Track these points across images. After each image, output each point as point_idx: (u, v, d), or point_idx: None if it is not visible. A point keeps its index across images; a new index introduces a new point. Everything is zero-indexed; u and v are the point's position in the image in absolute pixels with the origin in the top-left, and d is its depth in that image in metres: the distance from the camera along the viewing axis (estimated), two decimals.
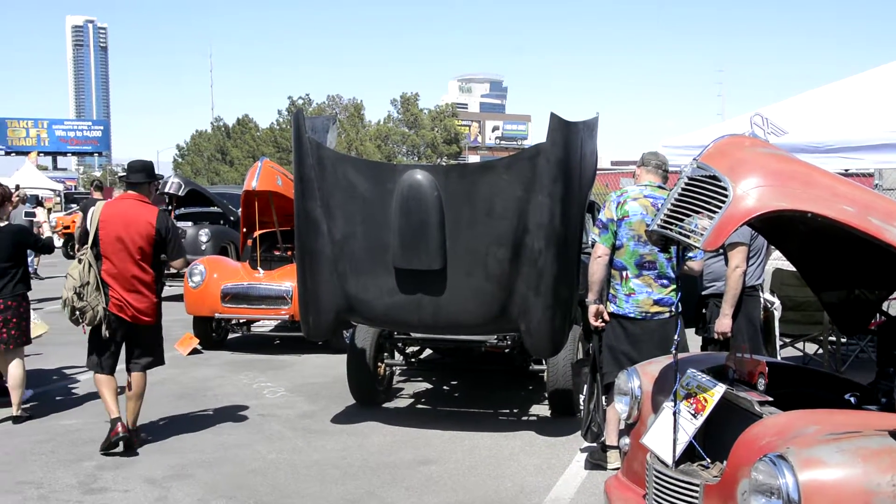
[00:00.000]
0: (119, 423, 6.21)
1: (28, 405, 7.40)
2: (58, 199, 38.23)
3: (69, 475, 5.77)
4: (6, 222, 7.14)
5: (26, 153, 55.86)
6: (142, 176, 6.40)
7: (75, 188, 39.43)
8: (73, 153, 67.72)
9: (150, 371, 6.45)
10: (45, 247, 7.73)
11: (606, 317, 5.65)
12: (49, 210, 22.18)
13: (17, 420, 7.01)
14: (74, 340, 9.30)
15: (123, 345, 6.38)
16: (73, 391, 8.16)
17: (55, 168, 66.15)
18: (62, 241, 21.85)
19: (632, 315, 5.54)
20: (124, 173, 6.84)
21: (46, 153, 65.40)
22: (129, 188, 6.47)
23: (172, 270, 15.60)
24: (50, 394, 8.10)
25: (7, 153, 63.05)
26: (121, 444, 6.19)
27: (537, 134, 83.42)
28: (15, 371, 7.07)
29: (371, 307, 6.35)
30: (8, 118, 65.22)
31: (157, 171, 6.72)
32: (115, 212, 6.28)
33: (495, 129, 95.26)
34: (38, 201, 19.21)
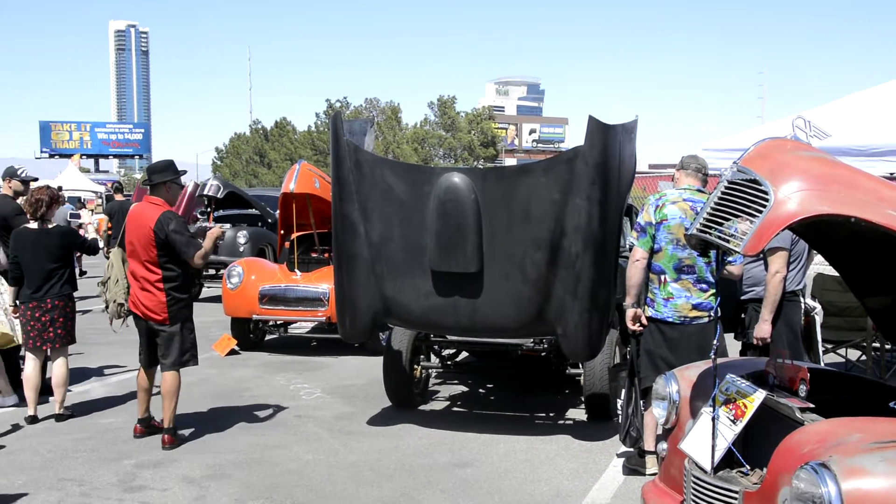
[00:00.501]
0: (136, 425, 6.66)
1: (69, 403, 7.51)
2: (99, 200, 38.81)
3: (109, 473, 5.85)
4: (53, 224, 7.26)
5: (69, 156, 56.85)
6: (154, 178, 6.53)
7: (113, 190, 40.01)
8: (115, 156, 68.79)
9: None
10: (91, 248, 7.87)
11: (644, 321, 5.60)
12: (91, 212, 22.54)
13: (59, 418, 7.12)
14: (116, 340, 9.45)
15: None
16: (114, 390, 8.27)
17: (97, 170, 67.22)
18: (104, 241, 22.16)
19: (670, 319, 5.49)
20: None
21: (89, 156, 66.46)
22: (150, 191, 6.62)
23: (211, 272, 15.96)
24: (91, 392, 8.21)
25: (51, 156, 64.19)
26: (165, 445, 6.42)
27: (575, 137, 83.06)
28: (59, 370, 7.19)
29: (407, 310, 6.36)
30: (52, 121, 66.40)
31: (179, 169, 6.78)
32: (133, 215, 6.51)
33: (532, 131, 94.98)
34: (80, 203, 19.50)
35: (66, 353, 7.29)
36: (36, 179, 8.57)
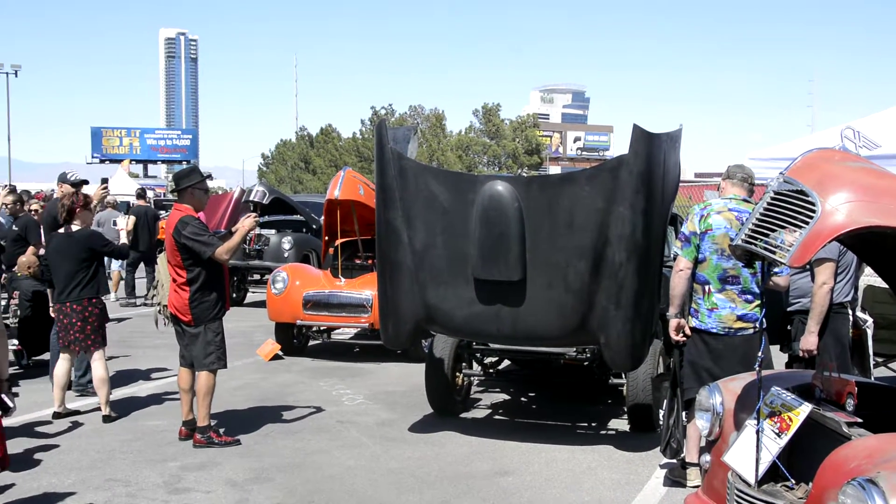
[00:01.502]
0: (181, 427, 6.77)
1: (115, 403, 7.63)
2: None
3: (155, 474, 5.94)
4: (78, 227, 7.37)
5: (119, 161, 57.78)
6: (179, 184, 6.67)
7: (164, 195, 40.57)
8: (163, 161, 69.76)
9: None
10: (118, 252, 7.90)
11: (688, 331, 5.56)
12: (161, 217, 22.84)
13: (106, 419, 7.24)
14: (163, 343, 9.60)
15: None
16: (160, 393, 8.39)
17: (146, 175, 68.17)
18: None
19: (714, 330, 5.44)
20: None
21: (138, 161, 67.50)
22: (178, 198, 6.81)
23: (256, 277, 16.10)
24: (138, 395, 8.34)
25: (102, 161, 65.31)
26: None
27: (619, 145, 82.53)
28: (96, 372, 7.29)
29: (450, 317, 6.37)
30: (103, 127, 67.60)
31: (204, 172, 6.92)
32: (167, 222, 6.74)
33: (577, 139, 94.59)
34: (129, 208, 19.84)
35: (101, 356, 7.35)
36: (86, 182, 8.75)
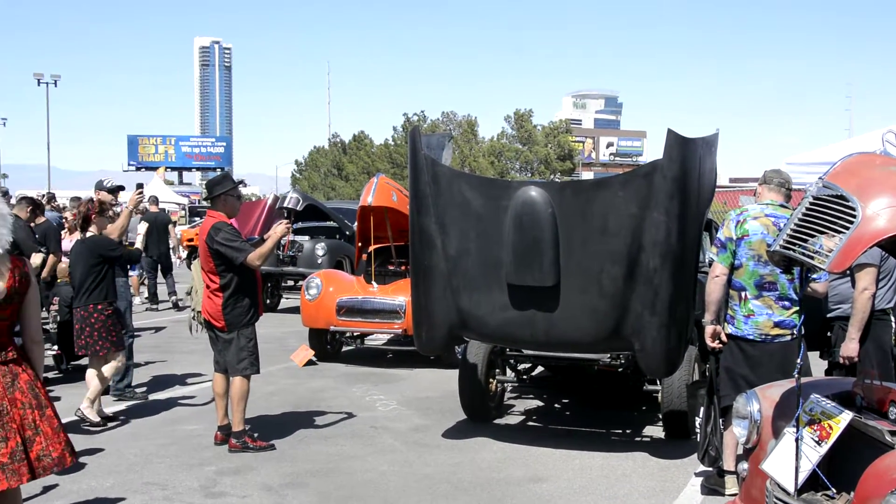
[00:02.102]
0: (217, 432, 6.81)
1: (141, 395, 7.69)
2: (182, 212, 39.86)
3: (191, 478, 5.98)
4: (93, 233, 7.45)
5: (155, 169, 58.43)
6: (212, 192, 6.73)
7: (199, 202, 41.01)
8: (198, 168, 70.51)
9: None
10: (127, 257, 7.87)
11: (724, 338, 5.51)
12: (174, 224, 23.14)
13: (78, 415, 7.14)
14: (199, 349, 9.68)
15: None
16: (197, 398, 8.46)
17: (181, 183, 68.94)
18: (186, 252, 22.68)
19: (751, 337, 5.38)
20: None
21: (173, 168, 68.27)
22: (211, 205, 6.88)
23: (289, 283, 16.20)
24: (174, 400, 8.42)
25: (137, 168, 66.15)
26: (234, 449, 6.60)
27: (653, 150, 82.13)
28: (95, 369, 7.29)
29: (484, 323, 6.37)
30: (139, 135, 68.48)
31: (236, 179, 6.99)
32: (200, 229, 6.81)
33: (610, 145, 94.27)
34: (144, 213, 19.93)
35: (110, 360, 7.33)
36: (122, 188, 8.86)
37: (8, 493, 3.87)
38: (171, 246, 16.04)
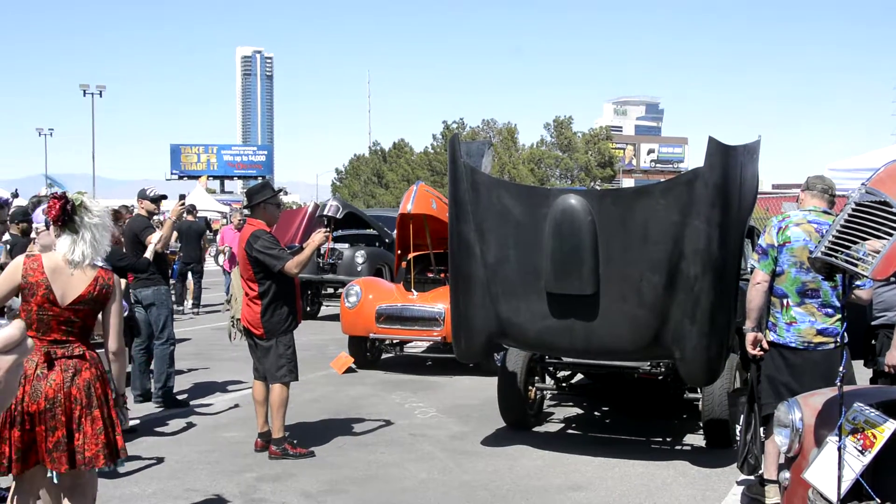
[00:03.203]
0: (257, 439, 6.87)
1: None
2: (224, 221, 40.29)
3: (232, 485, 6.06)
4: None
5: (197, 177, 59.17)
6: (252, 200, 6.83)
7: (240, 210, 41.49)
8: (239, 177, 71.17)
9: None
10: (132, 267, 7.71)
11: (765, 345, 5.46)
12: (216, 232, 23.44)
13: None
14: (240, 356, 9.78)
15: None
16: (236, 405, 8.56)
17: (222, 191, 69.65)
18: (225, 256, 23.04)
19: (793, 345, 5.33)
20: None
21: (215, 177, 69.02)
22: (251, 213, 6.95)
23: (329, 290, 16.33)
24: (215, 407, 8.52)
25: (180, 177, 66.98)
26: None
27: (694, 157, 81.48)
28: None
29: (523, 331, 6.37)
30: (182, 144, 69.35)
31: (275, 187, 7.03)
32: (239, 237, 6.92)
33: (651, 152, 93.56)
34: (206, 223, 20.27)
35: None
36: (165, 197, 8.97)
37: (78, 476, 4.19)
38: (208, 253, 16.58)
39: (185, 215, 15.76)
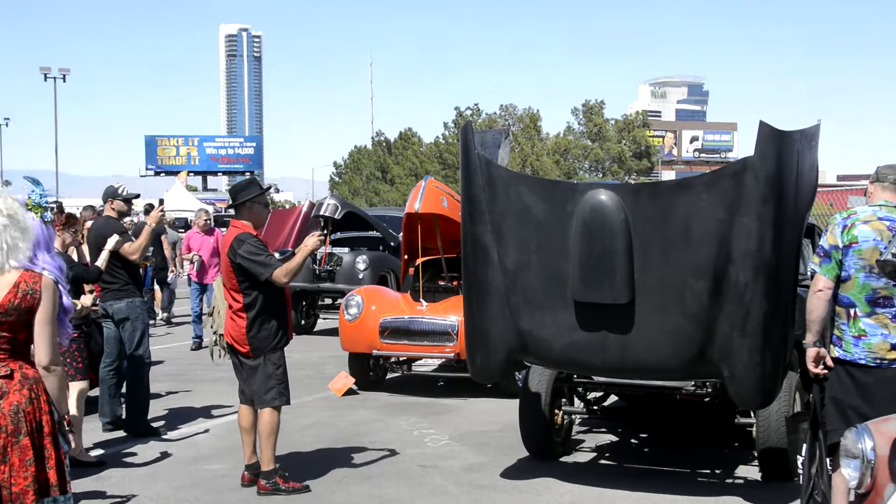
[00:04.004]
0: (244, 472, 6.82)
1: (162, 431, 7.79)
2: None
3: None
4: (57, 249, 7.52)
5: (176, 173, 59.48)
6: (236, 198, 6.79)
7: (225, 210, 41.59)
8: (224, 172, 71.57)
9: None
10: (82, 277, 7.65)
11: (830, 362, 5.40)
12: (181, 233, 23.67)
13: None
14: (223, 377, 9.78)
15: None
16: (221, 433, 8.54)
17: (205, 189, 70.01)
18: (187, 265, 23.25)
19: (862, 361, 5.27)
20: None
21: (196, 173, 69.46)
22: (235, 214, 6.94)
23: (327, 301, 16.35)
24: (196, 435, 8.51)
25: (157, 173, 67.37)
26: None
27: (745, 146, 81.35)
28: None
29: (547, 346, 6.35)
30: (158, 136, 69.72)
31: (263, 184, 7.04)
32: (222, 242, 6.92)
33: (694, 140, 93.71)
34: (186, 225, 20.33)
35: (75, 389, 7.31)
36: (138, 196, 8.95)
37: None
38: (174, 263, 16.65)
39: (143, 216, 15.87)
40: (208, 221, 15.07)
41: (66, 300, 4.34)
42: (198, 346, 13.71)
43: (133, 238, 8.24)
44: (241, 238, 6.54)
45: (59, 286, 4.24)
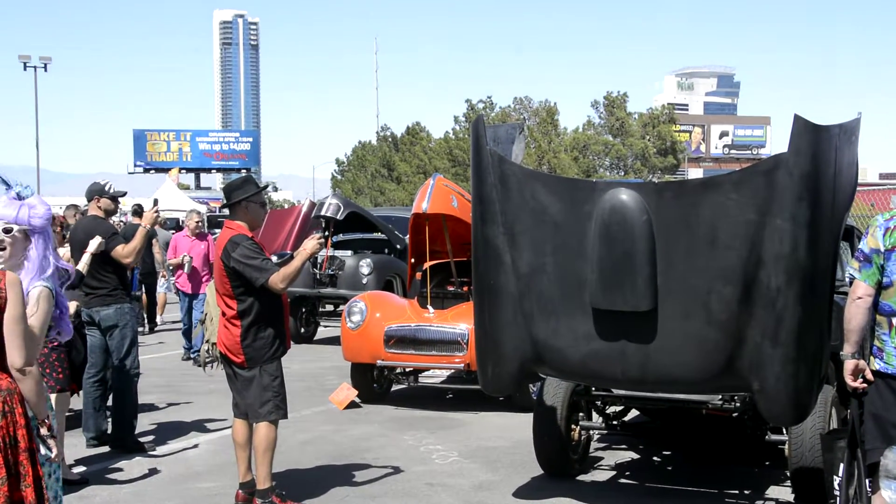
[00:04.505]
0: (238, 490, 6.77)
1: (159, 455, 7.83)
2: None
3: None
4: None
5: (167, 170, 59.55)
6: (230, 197, 6.80)
7: (220, 210, 41.60)
8: (219, 169, 71.71)
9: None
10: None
11: (869, 376, 5.39)
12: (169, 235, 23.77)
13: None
14: (216, 389, 9.80)
15: None
16: (214, 448, 8.57)
17: (198, 187, 70.16)
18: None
19: None
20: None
21: (189, 170, 69.53)
22: (229, 214, 6.97)
23: (328, 307, 16.37)
24: (187, 451, 8.53)
25: (146, 170, 67.49)
26: None
27: (778, 141, 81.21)
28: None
29: (563, 356, 6.35)
30: (148, 130, 69.82)
31: (260, 182, 7.06)
32: (216, 244, 6.87)
33: (724, 135, 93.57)
34: (177, 226, 20.37)
35: (56, 401, 7.26)
36: (124, 194, 8.95)
37: None
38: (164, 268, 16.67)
39: (131, 217, 15.83)
40: (200, 224, 14.49)
41: (63, 299, 4.35)
42: (190, 357, 13.57)
43: (125, 240, 8.26)
44: (235, 240, 6.54)
45: (54, 287, 4.26)
